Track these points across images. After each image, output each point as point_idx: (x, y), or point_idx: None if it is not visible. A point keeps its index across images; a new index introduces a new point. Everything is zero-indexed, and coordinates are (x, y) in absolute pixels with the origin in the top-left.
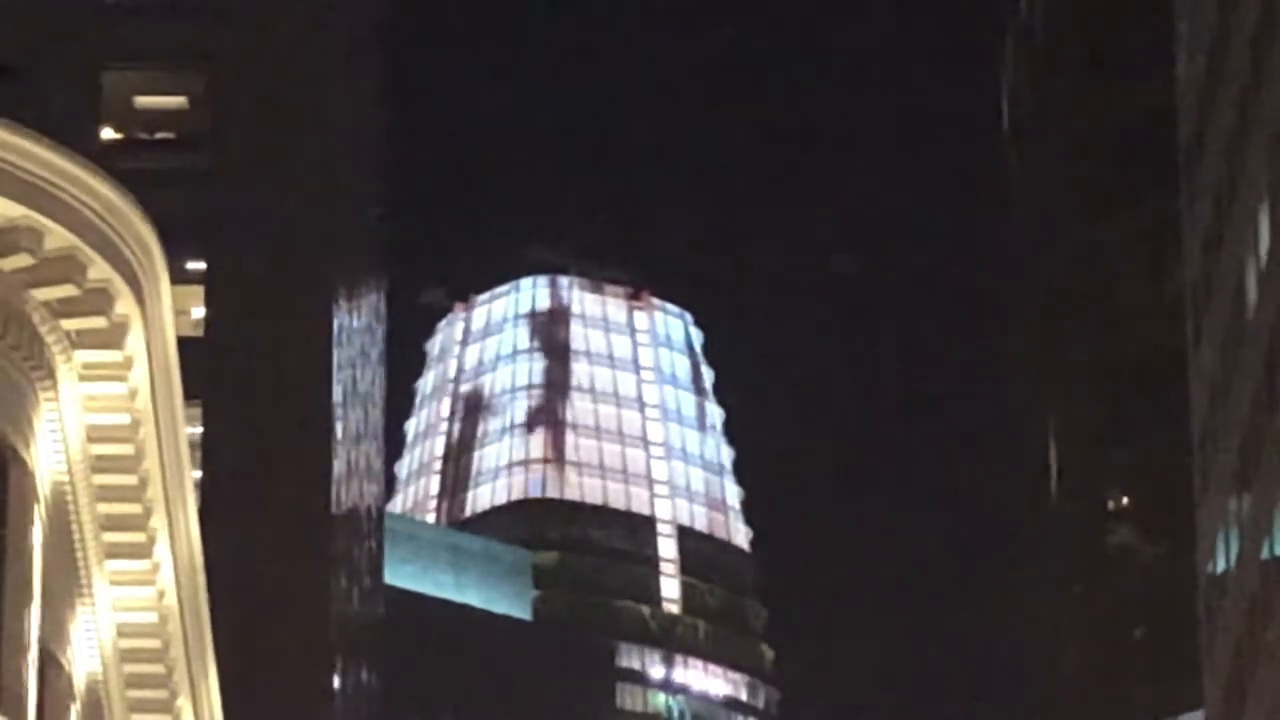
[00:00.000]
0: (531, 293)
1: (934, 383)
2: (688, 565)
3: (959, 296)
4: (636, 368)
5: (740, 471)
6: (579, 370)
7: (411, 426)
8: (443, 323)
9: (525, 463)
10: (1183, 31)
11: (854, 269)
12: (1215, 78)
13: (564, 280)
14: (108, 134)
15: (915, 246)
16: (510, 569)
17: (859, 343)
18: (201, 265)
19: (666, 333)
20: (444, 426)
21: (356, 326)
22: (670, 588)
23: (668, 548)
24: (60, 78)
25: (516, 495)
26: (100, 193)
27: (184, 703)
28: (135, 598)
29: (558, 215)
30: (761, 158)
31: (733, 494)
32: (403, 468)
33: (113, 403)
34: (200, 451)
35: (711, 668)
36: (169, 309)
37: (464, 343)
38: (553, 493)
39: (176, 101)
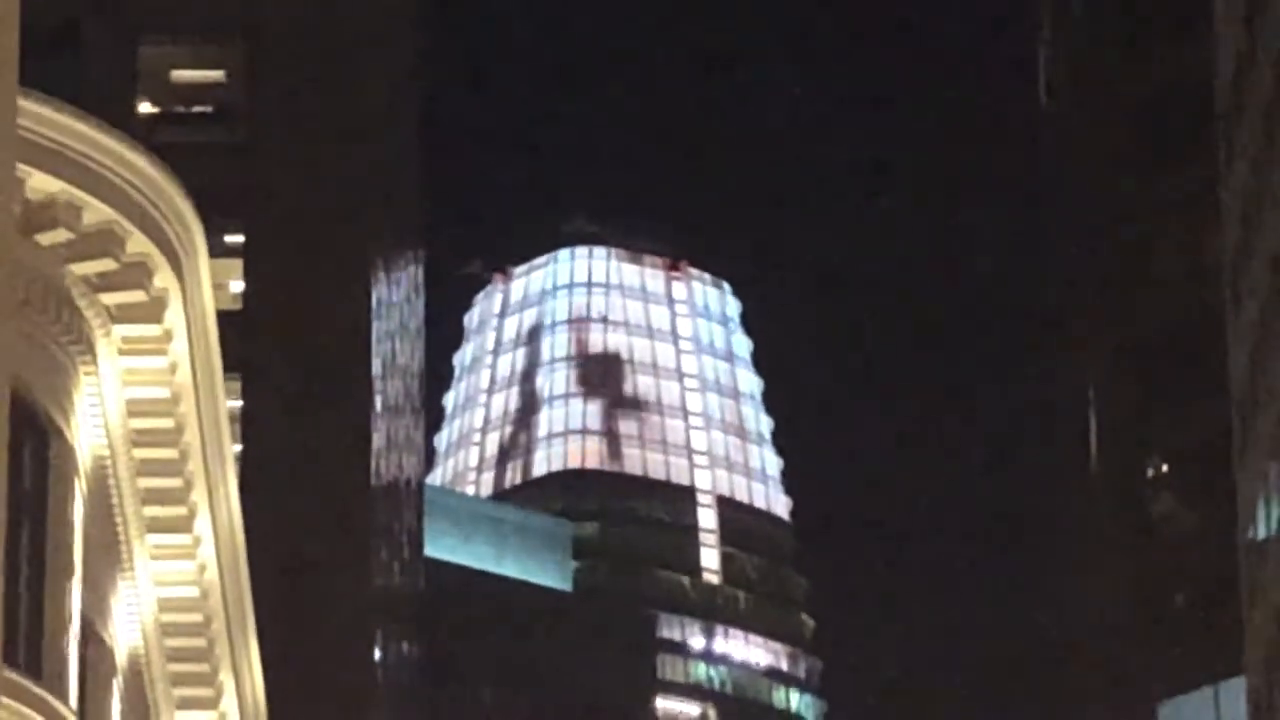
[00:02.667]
0: (569, 264)
1: (972, 351)
2: (727, 535)
3: (997, 264)
4: (675, 338)
5: (779, 441)
6: (617, 341)
7: (451, 399)
8: (481, 295)
9: (564, 434)
10: None
11: (891, 237)
12: (1253, 43)
13: (601, 251)
14: (145, 107)
15: (954, 213)
16: (550, 540)
17: (897, 312)
18: (240, 238)
19: (704, 303)
20: (483, 399)
21: (395, 299)
22: (710, 558)
23: (708, 518)
24: (97, 51)
25: (556, 467)
26: (138, 167)
27: (225, 676)
28: (176, 572)
29: (595, 186)
30: (797, 126)
31: (772, 463)
32: (442, 440)
33: (152, 377)
34: (240, 425)
35: (752, 638)
36: (208, 282)
37: (502, 315)
38: (592, 464)
39: (214, 75)
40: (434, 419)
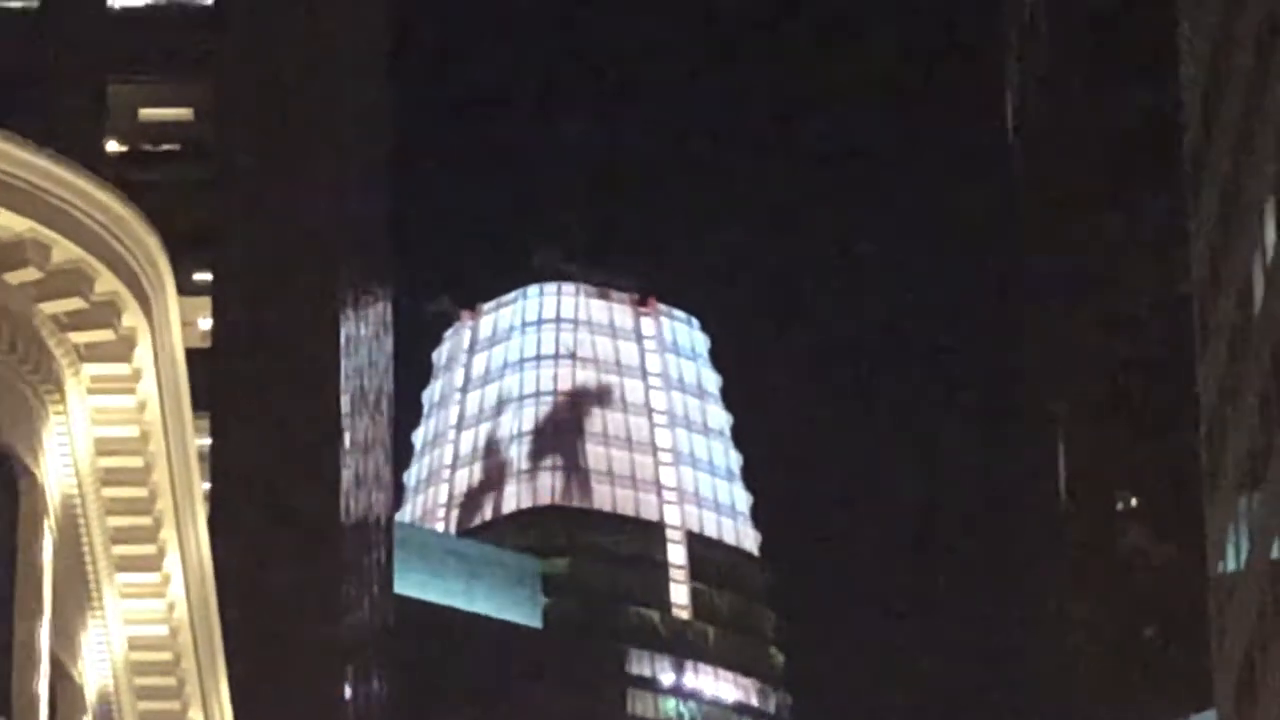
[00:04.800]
0: (538, 300)
1: (942, 386)
2: (697, 571)
3: (966, 300)
4: (644, 374)
5: (748, 476)
6: (586, 377)
7: (420, 435)
8: (450, 331)
9: (533, 470)
10: (1186, 30)
11: (860, 273)
12: (1220, 76)
13: (570, 287)
14: (113, 146)
15: (923, 250)
16: (520, 576)
17: (866, 347)
18: (208, 276)
19: (673, 338)
20: (452, 435)
21: (364, 336)
22: (680, 593)
23: (677, 553)
24: (65, 90)
25: (525, 503)
26: (106, 205)
27: (195, 714)
28: (146, 610)
29: (564, 223)
30: (766, 162)
31: (741, 499)
32: (411, 477)
33: (121, 415)
34: (209, 463)
35: (722, 673)
36: (176, 320)
37: (471, 351)
38: (561, 500)
39: (181, 113)
40: (403, 456)
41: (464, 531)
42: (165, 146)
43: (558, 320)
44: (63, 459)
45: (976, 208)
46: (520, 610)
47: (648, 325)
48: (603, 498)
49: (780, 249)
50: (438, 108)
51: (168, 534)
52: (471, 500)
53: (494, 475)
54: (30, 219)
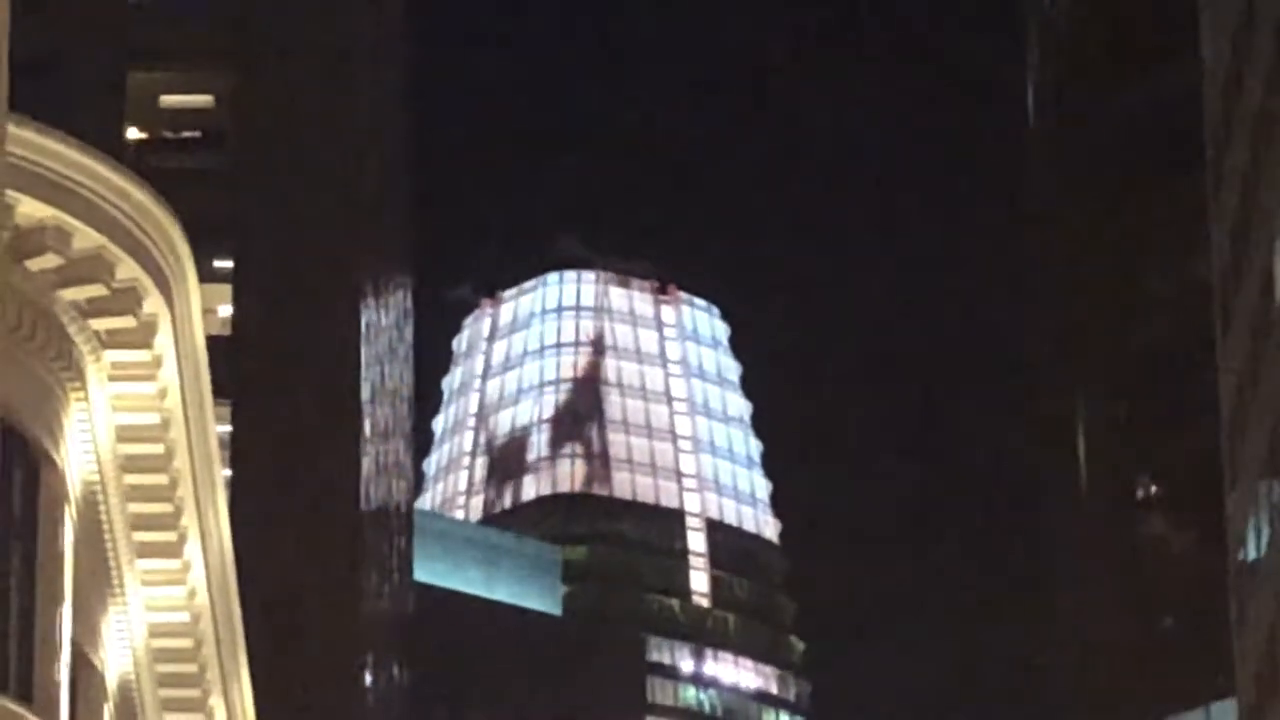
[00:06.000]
0: (558, 288)
1: (960, 373)
2: (717, 559)
3: (985, 287)
4: (664, 362)
5: (768, 464)
6: (606, 365)
7: (439, 423)
8: (469, 319)
9: (553, 458)
10: (1207, 17)
11: (878, 261)
12: (1240, 63)
13: (591, 275)
14: (134, 133)
15: (940, 238)
16: (540, 564)
17: (885, 334)
18: (229, 263)
19: (694, 326)
20: (472, 423)
21: (384, 323)
22: (700, 581)
23: (697, 541)
24: (86, 77)
25: (545, 490)
26: (127, 192)
27: (216, 701)
28: (167, 597)
29: (584, 210)
30: (786, 152)
31: (761, 487)
32: (431, 464)
33: (142, 402)
34: (230, 450)
35: (742, 661)
36: (197, 307)
37: (491, 339)
38: (581, 487)
39: (202, 100)
40: (423, 443)
41: (484, 519)
42: (186, 134)
43: (578, 308)
44: (84, 446)
45: (996, 192)
46: (540, 598)
47: (668, 313)
48: (623, 485)
49: (799, 238)
50: (458, 95)
51: (188, 520)
52: (491, 488)
53: (514, 463)
54: (51, 205)
